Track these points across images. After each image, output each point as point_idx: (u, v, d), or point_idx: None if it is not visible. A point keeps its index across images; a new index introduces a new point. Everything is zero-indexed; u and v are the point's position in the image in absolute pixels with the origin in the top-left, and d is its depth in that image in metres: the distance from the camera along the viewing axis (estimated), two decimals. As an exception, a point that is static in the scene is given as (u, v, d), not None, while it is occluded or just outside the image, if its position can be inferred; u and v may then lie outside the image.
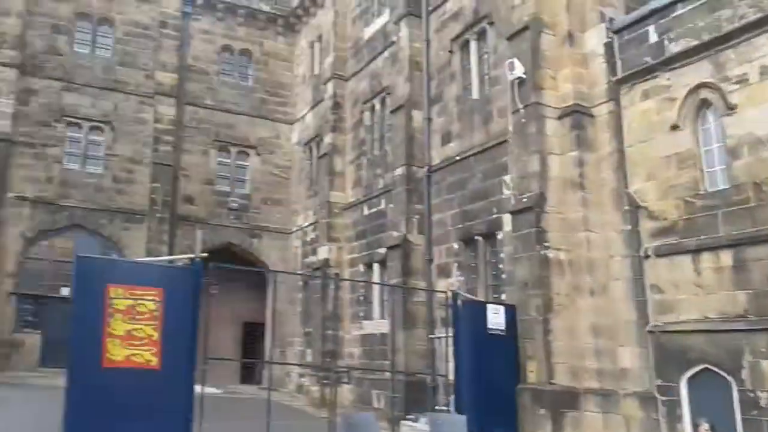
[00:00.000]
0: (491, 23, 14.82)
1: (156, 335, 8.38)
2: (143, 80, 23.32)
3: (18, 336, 20.38)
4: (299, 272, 21.82)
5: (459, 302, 11.89)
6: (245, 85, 25.04)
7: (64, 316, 20.13)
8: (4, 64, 21.26)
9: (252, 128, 24.46)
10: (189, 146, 23.37)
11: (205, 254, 9.02)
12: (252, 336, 23.41)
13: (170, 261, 13.08)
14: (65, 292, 20.26)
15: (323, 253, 20.16)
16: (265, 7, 25.56)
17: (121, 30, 23.51)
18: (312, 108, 23.41)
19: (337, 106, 21.11)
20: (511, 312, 11.74)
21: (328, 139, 21.17)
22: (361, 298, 18.74)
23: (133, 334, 8.29)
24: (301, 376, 20.72)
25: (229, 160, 24.15)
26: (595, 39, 12.04)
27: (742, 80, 9.72)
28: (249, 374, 22.99)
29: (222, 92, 24.41)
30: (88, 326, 8.09)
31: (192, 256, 9.09)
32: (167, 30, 23.76)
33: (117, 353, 8.15)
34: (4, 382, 17.40)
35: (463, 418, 9.37)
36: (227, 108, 24.24)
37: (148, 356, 8.33)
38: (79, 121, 22.26)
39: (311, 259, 21.55)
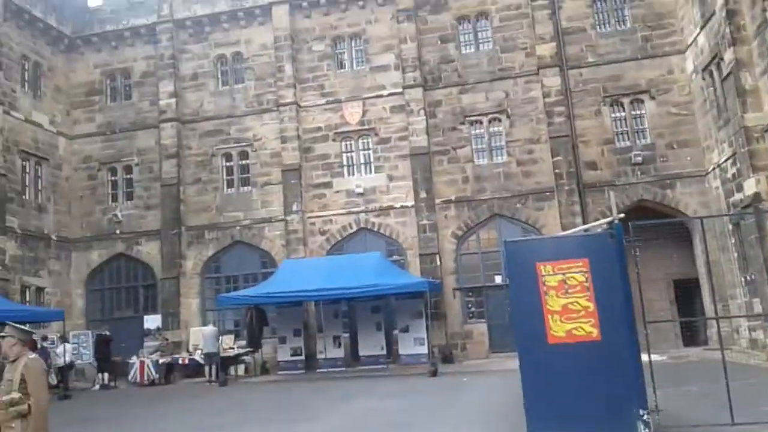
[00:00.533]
0: None
1: (591, 306, 8.56)
2: (525, 59, 24.02)
3: (467, 327, 22.92)
4: (727, 214, 19.65)
5: None
6: (624, 28, 23.51)
7: (501, 302, 22.42)
8: (411, 86, 24.43)
9: (640, 72, 22.85)
10: (580, 111, 23.11)
11: (622, 215, 8.97)
12: (685, 294, 21.92)
13: (586, 230, 13.44)
14: (498, 279, 22.34)
15: (750, 186, 17.77)
16: (636, -63, 23.59)
17: (497, 19, 24.60)
18: (702, 27, 20.72)
19: (731, 14, 18.28)
20: None
21: (728, 55, 18.59)
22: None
23: (569, 307, 8.61)
24: (752, 330, 18.70)
25: (623, 113, 23.05)
26: None
27: None
28: (690, 336, 21.56)
29: (601, 45, 23.45)
30: (527, 306, 8.68)
31: (609, 219, 9.21)
32: (537, 1, 23.95)
33: (558, 329, 8.59)
34: (462, 370, 19.79)
35: None
36: (610, 59, 23.16)
37: (588, 328, 8.56)
38: (478, 117, 24.10)
39: (737, 197, 19.19)
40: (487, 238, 23.42)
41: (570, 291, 8.66)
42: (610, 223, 8.97)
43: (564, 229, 20.75)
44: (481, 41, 24.88)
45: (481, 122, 24.12)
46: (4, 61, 24.21)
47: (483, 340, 22.77)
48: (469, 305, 23.32)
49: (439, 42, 24.88)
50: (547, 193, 22.80)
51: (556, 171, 22.59)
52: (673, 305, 22.00)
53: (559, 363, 8.53)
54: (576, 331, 8.63)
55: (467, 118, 24.12)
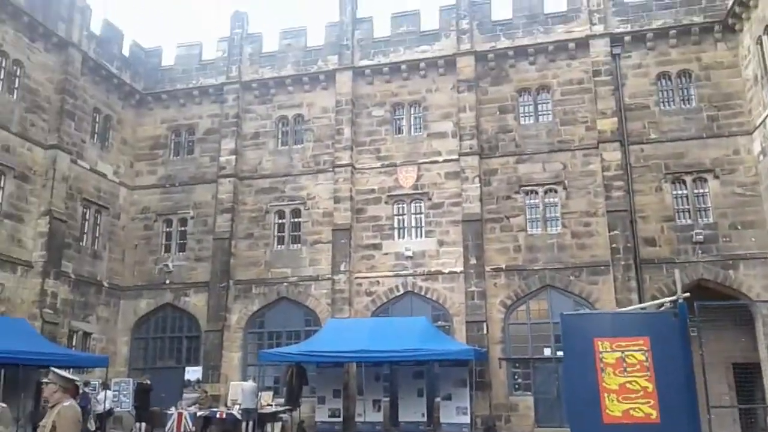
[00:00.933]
0: None
1: (650, 386, 8.18)
2: (585, 133, 23.85)
3: (512, 399, 22.06)
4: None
5: None
6: (688, 107, 23.24)
7: (550, 375, 21.54)
8: (467, 153, 24.42)
9: (704, 150, 22.40)
10: (640, 186, 22.66)
11: (687, 294, 8.60)
12: (745, 379, 20.61)
13: (643, 308, 12.89)
14: (547, 352, 21.57)
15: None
16: (697, 19, 23.57)
17: (558, 92, 24.61)
18: (773, 110, 20.34)
19: (803, 99, 17.96)
20: None
21: (799, 139, 18.11)
22: None
23: (627, 387, 8.24)
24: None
25: (685, 191, 22.48)
26: None
27: None
28: (750, 423, 20.19)
29: (664, 122, 23.17)
30: (582, 382, 8.30)
31: (674, 298, 8.80)
32: (600, 77, 23.94)
33: (614, 408, 8.18)
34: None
35: None
36: (673, 137, 22.84)
37: (647, 409, 8.14)
38: (534, 187, 23.85)
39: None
40: (537, 309, 22.77)
41: (629, 369, 8.29)
42: (674, 301, 8.50)
43: (619, 304, 20.09)
44: (540, 113, 24.88)
45: (536, 192, 23.82)
46: (77, 113, 25.28)
47: (529, 413, 21.82)
48: (516, 376, 22.52)
49: (498, 112, 24.98)
50: (603, 267, 22.12)
51: (613, 245, 21.96)
52: (731, 390, 20.73)
53: (614, 443, 7.99)
54: (634, 412, 8.17)
55: (522, 188, 23.89)
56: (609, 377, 8.25)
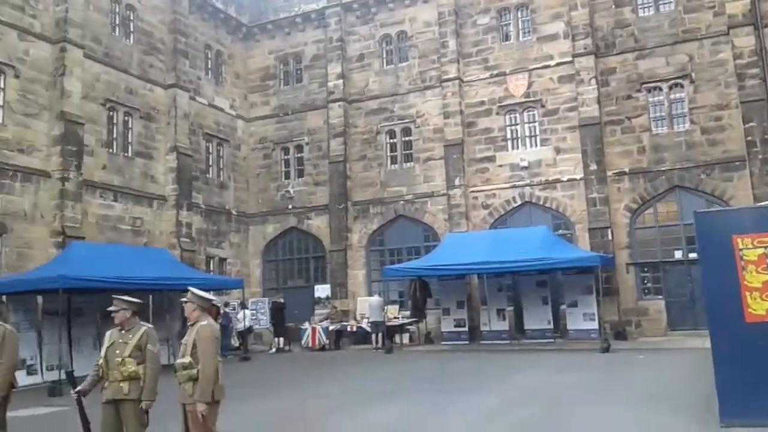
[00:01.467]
0: None
1: None
2: (712, 19, 21.93)
3: (642, 303, 21.50)
4: None
5: None
6: (834, -24, 20.77)
7: (681, 278, 20.72)
8: (581, 54, 23.19)
9: None
10: (780, 73, 20.75)
11: None
12: None
13: None
14: (678, 254, 20.65)
15: None
16: None
17: (678, -23, 22.67)
18: None
19: None
20: None
21: None
22: None
23: None
24: None
25: (832, 73, 20.38)
26: None
27: None
28: None
29: (805, -3, 20.85)
30: (721, 282, 7.94)
31: None
32: (728, -45, 21.73)
33: (758, 307, 7.77)
34: (636, 347, 18.44)
35: None
36: (817, 13, 20.58)
37: None
38: (657, 84, 22.37)
39: None
40: (665, 211, 21.79)
41: (773, 266, 7.67)
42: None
43: (757, 200, 18.76)
44: (661, 2, 23.00)
45: (660, 89, 22.36)
46: (190, 51, 26.03)
47: (660, 317, 21.25)
48: (645, 281, 21.89)
49: (613, 6, 23.37)
50: (737, 163, 20.69)
51: (749, 138, 20.36)
52: None
53: (758, 344, 7.62)
54: (780, 310, 7.63)
55: (644, 85, 22.49)
56: (751, 275, 7.77)
